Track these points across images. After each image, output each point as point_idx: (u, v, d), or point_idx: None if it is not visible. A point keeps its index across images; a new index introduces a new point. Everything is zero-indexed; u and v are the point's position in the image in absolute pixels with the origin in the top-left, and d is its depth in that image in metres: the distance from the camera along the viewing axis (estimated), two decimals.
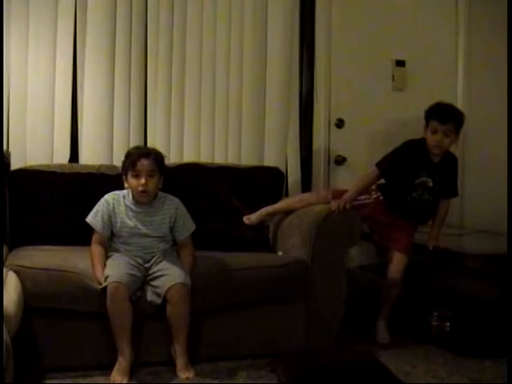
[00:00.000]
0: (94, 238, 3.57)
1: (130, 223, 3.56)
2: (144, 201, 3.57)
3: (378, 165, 3.95)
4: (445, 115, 3.82)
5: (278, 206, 4.13)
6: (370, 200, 4.00)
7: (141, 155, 3.52)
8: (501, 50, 4.89)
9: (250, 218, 4.06)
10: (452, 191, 4.00)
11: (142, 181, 3.48)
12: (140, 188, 3.49)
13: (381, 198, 3.99)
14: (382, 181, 4.04)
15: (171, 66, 4.49)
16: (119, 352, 3.31)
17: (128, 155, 3.60)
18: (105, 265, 3.44)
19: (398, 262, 3.95)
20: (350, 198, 3.87)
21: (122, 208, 3.59)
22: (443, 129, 3.80)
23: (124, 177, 3.60)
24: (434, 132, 3.81)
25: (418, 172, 3.88)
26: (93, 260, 3.46)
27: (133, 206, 3.59)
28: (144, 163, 3.50)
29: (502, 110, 4.81)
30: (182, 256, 3.60)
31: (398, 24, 4.94)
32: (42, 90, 4.25)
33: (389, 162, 3.96)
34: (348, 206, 3.80)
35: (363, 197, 4.00)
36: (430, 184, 3.86)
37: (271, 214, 4.10)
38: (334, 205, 3.80)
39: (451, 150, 3.99)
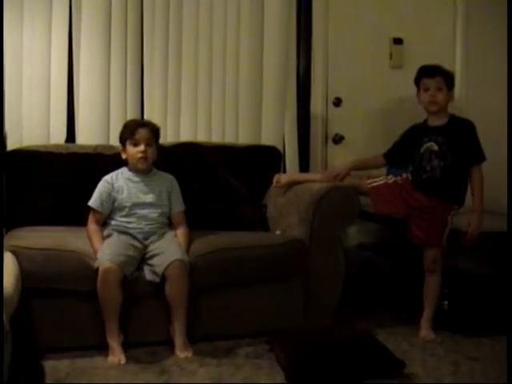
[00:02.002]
0: (91, 217, 3.62)
1: (131, 193, 3.64)
2: (143, 167, 3.66)
3: (384, 154, 4.01)
4: (432, 69, 3.82)
5: (312, 176, 4.14)
6: (390, 181, 3.95)
7: (139, 125, 3.69)
8: (499, 26, 4.86)
9: (280, 180, 4.08)
10: (473, 155, 3.76)
11: (142, 147, 3.61)
12: (140, 154, 3.61)
13: (409, 177, 3.92)
14: None
15: (168, 45, 4.47)
16: (108, 334, 3.33)
17: (126, 126, 3.73)
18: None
19: (427, 256, 3.83)
20: (348, 168, 3.96)
21: (121, 181, 3.68)
22: (434, 83, 3.77)
23: (122, 147, 3.71)
24: (427, 89, 3.80)
25: (420, 141, 3.82)
26: (90, 236, 3.53)
27: (132, 177, 3.69)
28: (142, 132, 3.63)
29: (500, 89, 4.78)
30: (178, 234, 3.64)
31: (396, 2, 4.92)
32: (37, 70, 4.23)
33: (391, 148, 4.01)
34: (342, 174, 3.91)
35: (380, 178, 3.98)
36: (435, 148, 3.74)
37: (299, 182, 4.02)
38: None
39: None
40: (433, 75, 3.79)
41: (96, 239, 3.50)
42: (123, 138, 3.68)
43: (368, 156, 4.17)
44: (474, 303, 3.85)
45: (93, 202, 3.64)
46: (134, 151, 3.62)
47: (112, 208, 3.66)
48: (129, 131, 3.65)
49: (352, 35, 4.86)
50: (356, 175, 4.01)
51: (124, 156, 3.70)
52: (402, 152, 3.94)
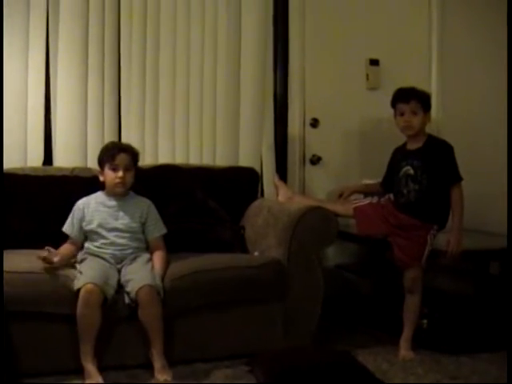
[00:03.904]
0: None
1: (100, 218, 3.63)
2: (120, 191, 3.66)
3: (380, 182, 4.15)
4: (406, 94, 3.84)
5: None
6: (373, 200, 4.02)
7: (120, 149, 3.66)
8: (474, 47, 4.91)
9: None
10: (450, 176, 3.75)
11: (120, 173, 3.60)
12: (117, 180, 3.60)
13: (391, 197, 3.97)
14: None
15: (145, 67, 4.47)
16: (83, 357, 3.28)
17: (106, 149, 3.72)
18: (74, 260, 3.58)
19: (407, 276, 3.81)
20: (352, 190, 4.26)
21: (93, 206, 3.68)
22: (408, 107, 3.80)
23: (100, 170, 3.69)
24: (402, 114, 3.83)
25: (399, 165, 3.88)
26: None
27: (106, 202, 3.68)
28: (123, 157, 3.62)
29: (476, 107, 4.82)
30: (155, 259, 3.62)
31: (372, 23, 4.95)
32: (14, 93, 4.21)
33: (384, 177, 4.10)
34: (347, 194, 4.24)
35: (365, 199, 4.12)
36: (411, 172, 3.78)
37: None
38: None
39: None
40: (407, 100, 3.81)
41: (61, 248, 3.57)
42: (102, 161, 3.67)
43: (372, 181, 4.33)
44: (452, 322, 3.85)
45: (66, 228, 3.68)
46: (112, 176, 3.61)
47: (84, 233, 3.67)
48: (109, 155, 3.63)
49: (328, 56, 4.88)
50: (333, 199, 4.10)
51: (102, 178, 3.69)
52: (391, 178, 3.97)
